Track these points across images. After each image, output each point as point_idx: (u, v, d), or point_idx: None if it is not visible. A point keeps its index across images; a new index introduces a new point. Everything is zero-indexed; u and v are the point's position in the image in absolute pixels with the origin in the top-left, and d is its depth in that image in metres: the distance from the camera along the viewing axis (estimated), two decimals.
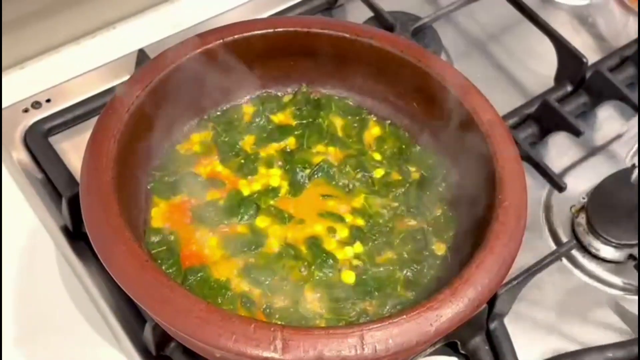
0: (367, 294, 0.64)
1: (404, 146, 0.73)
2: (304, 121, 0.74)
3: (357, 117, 0.75)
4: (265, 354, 0.52)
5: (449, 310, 0.55)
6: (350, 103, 0.75)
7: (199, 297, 0.54)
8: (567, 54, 0.84)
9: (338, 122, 0.74)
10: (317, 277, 0.64)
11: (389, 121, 0.74)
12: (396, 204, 0.69)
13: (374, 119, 0.75)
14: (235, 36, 0.70)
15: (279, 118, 0.74)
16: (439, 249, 0.67)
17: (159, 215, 0.67)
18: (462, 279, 0.56)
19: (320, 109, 0.74)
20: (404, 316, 0.54)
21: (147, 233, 0.65)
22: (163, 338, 0.64)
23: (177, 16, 0.88)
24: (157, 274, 0.55)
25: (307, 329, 0.55)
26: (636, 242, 0.73)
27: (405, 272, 0.65)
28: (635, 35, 0.90)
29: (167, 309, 0.53)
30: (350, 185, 0.70)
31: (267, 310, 0.62)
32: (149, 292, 0.54)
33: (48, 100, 0.81)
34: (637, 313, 0.71)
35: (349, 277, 0.64)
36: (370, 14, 0.88)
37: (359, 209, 0.69)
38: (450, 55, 0.89)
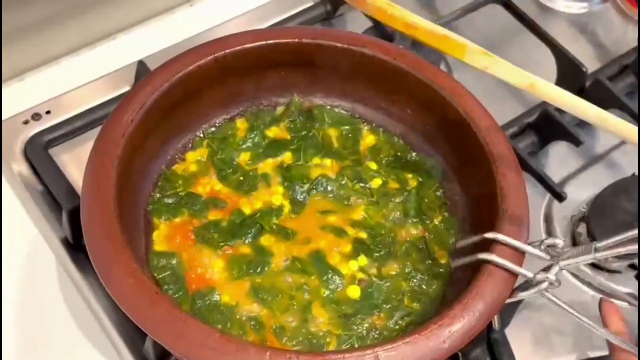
0: (374, 307, 0.64)
1: (399, 154, 0.73)
2: (299, 134, 0.73)
3: (351, 127, 0.75)
4: None
5: (461, 326, 0.55)
6: (343, 112, 0.75)
7: (212, 327, 0.54)
8: (566, 63, 0.84)
9: (332, 133, 0.74)
10: (324, 294, 0.64)
11: (382, 129, 0.74)
12: (396, 213, 0.69)
13: (367, 127, 0.75)
14: (227, 50, 0.69)
15: (273, 132, 0.73)
16: (442, 257, 0.67)
17: (160, 238, 0.66)
18: (472, 293, 0.56)
19: (314, 121, 0.74)
20: (417, 335, 0.54)
21: (151, 257, 0.65)
22: (164, 351, 0.64)
23: (177, 27, 0.89)
24: (168, 306, 0.54)
25: (323, 354, 0.54)
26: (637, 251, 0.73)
27: (410, 283, 0.65)
28: (635, 44, 0.90)
29: (182, 342, 0.53)
30: (349, 198, 0.70)
31: (277, 331, 0.62)
32: (162, 325, 0.53)
33: (48, 112, 0.81)
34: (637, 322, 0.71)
35: (354, 292, 0.64)
36: (370, 23, 0.88)
37: (360, 221, 0.69)
38: (450, 64, 0.89)
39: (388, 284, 0.65)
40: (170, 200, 0.68)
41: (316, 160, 0.72)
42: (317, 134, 0.73)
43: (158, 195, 0.69)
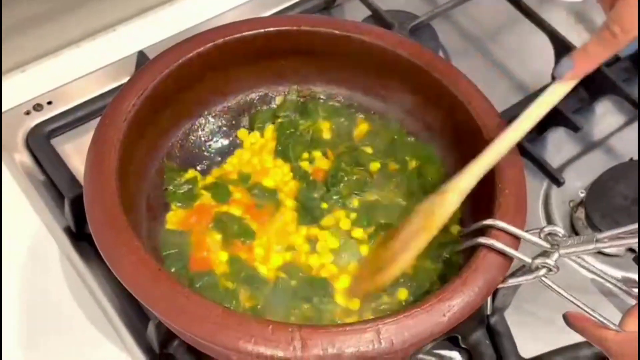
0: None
1: (396, 137, 0.74)
2: (285, 133, 0.74)
3: (345, 118, 0.75)
4: (286, 355, 0.52)
5: (460, 300, 0.55)
6: (337, 104, 0.75)
7: (214, 303, 0.54)
8: (564, 50, 0.85)
9: (324, 126, 0.74)
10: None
11: (378, 115, 0.75)
12: (398, 193, 0.70)
13: (362, 116, 0.75)
14: (226, 38, 0.70)
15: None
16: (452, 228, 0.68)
17: (174, 219, 0.68)
18: (471, 269, 0.57)
19: (308, 116, 0.74)
20: (417, 308, 0.54)
21: (162, 234, 0.66)
22: (166, 336, 0.65)
23: (176, 18, 0.89)
24: (170, 282, 0.55)
25: (324, 327, 0.55)
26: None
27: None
28: None
29: (184, 316, 0.53)
30: (349, 185, 0.71)
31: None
32: (164, 301, 0.54)
33: (49, 103, 0.81)
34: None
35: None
36: (369, 12, 0.88)
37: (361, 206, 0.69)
38: (448, 53, 0.90)
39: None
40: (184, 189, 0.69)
41: (305, 155, 0.72)
42: (307, 131, 0.74)
43: (177, 180, 0.69)
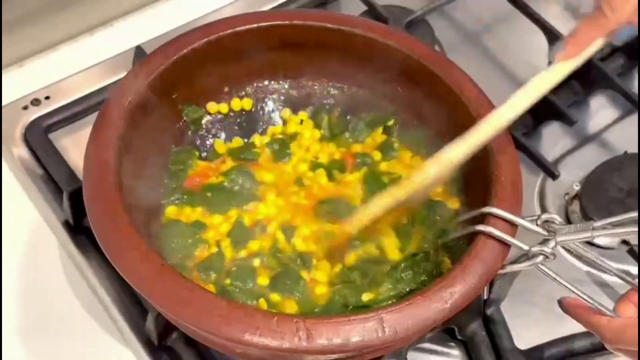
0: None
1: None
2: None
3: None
4: (291, 346, 0.52)
5: (461, 287, 0.56)
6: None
7: (218, 296, 0.55)
8: (559, 45, 0.85)
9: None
10: None
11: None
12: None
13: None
14: (220, 34, 0.70)
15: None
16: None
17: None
18: (470, 256, 0.58)
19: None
20: (420, 296, 0.55)
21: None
22: (165, 328, 0.65)
23: (174, 13, 0.89)
24: (174, 277, 0.55)
25: (327, 317, 0.55)
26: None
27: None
28: None
29: (189, 310, 0.53)
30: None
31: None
32: (168, 295, 0.54)
33: (47, 98, 0.82)
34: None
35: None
36: (364, 7, 0.88)
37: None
38: (444, 48, 0.90)
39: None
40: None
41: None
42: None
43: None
